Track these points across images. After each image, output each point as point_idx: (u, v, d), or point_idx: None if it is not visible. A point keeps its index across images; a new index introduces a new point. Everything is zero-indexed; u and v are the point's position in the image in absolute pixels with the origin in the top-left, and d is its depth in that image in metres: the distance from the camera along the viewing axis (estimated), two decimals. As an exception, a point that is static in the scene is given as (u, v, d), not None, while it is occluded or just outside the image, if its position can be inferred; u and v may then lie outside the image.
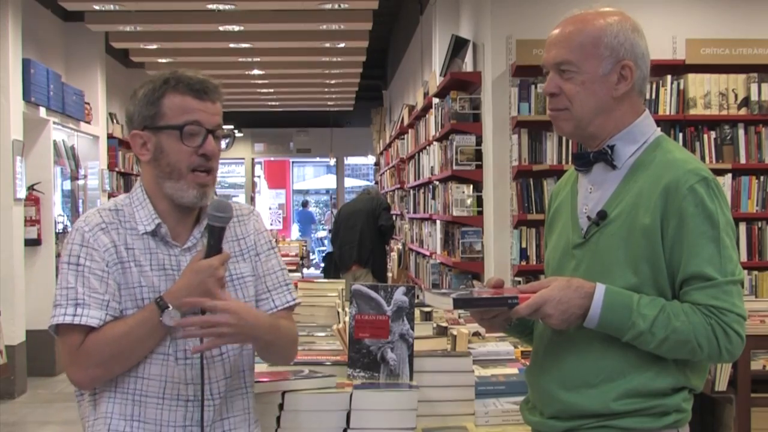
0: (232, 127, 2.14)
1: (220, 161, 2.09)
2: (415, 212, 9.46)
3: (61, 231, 9.26)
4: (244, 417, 2.11)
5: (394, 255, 10.77)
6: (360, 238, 9.62)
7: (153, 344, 1.97)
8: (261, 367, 2.59)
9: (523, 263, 5.98)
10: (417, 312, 3.18)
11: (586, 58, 1.98)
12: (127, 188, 11.51)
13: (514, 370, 2.78)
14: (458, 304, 1.98)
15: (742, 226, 6.01)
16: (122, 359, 1.96)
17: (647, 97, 6.00)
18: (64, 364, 1.98)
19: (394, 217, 10.72)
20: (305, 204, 23.55)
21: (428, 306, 3.51)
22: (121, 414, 1.99)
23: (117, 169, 11.68)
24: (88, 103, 10.26)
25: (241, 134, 21.17)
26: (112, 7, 8.50)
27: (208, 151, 2.01)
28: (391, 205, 11.56)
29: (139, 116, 2.04)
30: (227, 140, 2.08)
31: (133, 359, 1.97)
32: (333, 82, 14.02)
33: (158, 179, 2.03)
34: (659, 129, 2.08)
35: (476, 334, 3.20)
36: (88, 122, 10.25)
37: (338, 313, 3.35)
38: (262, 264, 2.14)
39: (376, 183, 16.53)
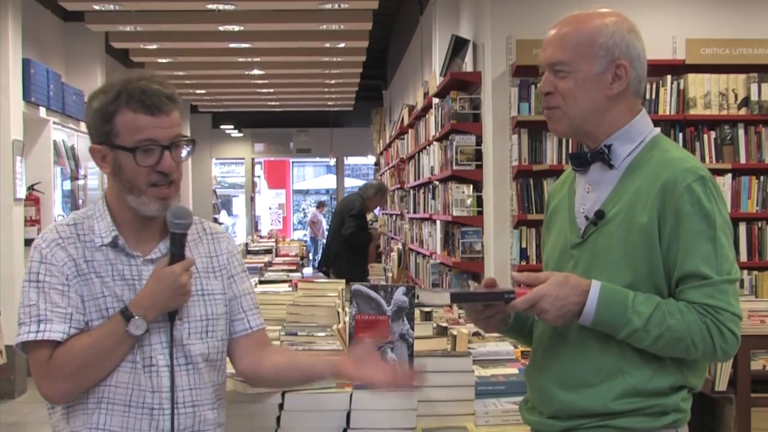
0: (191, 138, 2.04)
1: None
2: (415, 212, 9.46)
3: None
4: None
5: (394, 255, 10.76)
6: (329, 241, 9.39)
7: (121, 355, 1.97)
8: (261, 367, 2.59)
9: (523, 263, 5.97)
10: (417, 312, 3.18)
11: (580, 58, 1.99)
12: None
13: (514, 370, 2.78)
14: (455, 298, 1.99)
15: (742, 226, 6.01)
16: (91, 371, 1.95)
17: (647, 97, 6.01)
18: (35, 380, 1.98)
19: (376, 223, 10.12)
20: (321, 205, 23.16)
21: (428, 306, 3.51)
22: (88, 424, 1.98)
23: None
24: (88, 103, 10.26)
25: (241, 134, 21.17)
26: (112, 7, 8.50)
27: (164, 168, 1.99)
28: (363, 209, 9.44)
29: (95, 130, 2.01)
30: (188, 148, 2.04)
31: (102, 371, 1.96)
32: (333, 82, 14.02)
33: (120, 192, 2.02)
34: (657, 128, 2.08)
35: (476, 334, 3.20)
36: (89, 122, 10.24)
37: (338, 313, 3.35)
38: (237, 285, 2.15)
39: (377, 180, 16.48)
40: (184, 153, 2.05)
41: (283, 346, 2.99)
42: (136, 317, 1.94)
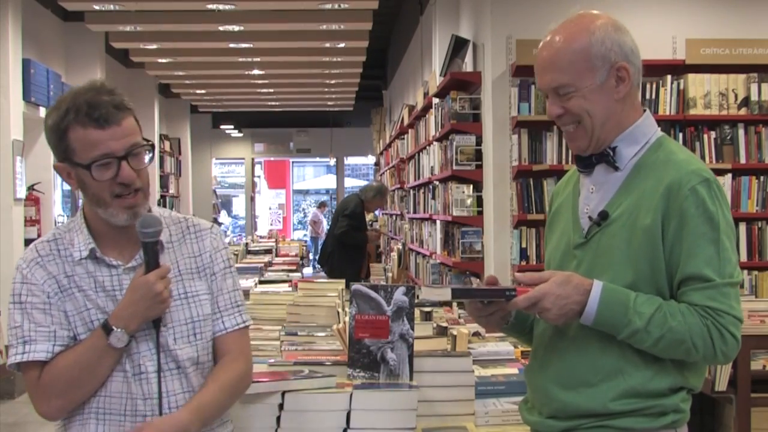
0: (150, 141, 1.94)
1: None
2: (415, 212, 9.46)
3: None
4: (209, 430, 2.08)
5: (394, 255, 10.76)
6: (325, 239, 9.58)
7: (107, 367, 1.96)
8: (261, 367, 2.60)
9: (523, 263, 5.97)
10: (417, 312, 3.18)
11: (580, 75, 1.98)
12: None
13: (514, 370, 2.78)
14: (456, 293, 1.99)
15: (742, 226, 6.01)
16: (80, 386, 1.96)
17: (647, 97, 6.01)
18: (31, 400, 1.99)
19: (374, 225, 10.27)
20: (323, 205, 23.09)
21: (428, 306, 3.51)
22: None
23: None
24: (88, 103, 10.25)
25: (241, 134, 21.17)
26: (112, 7, 8.51)
27: (124, 179, 1.96)
28: (359, 210, 9.39)
29: (54, 149, 2.00)
30: (149, 153, 2.01)
31: (91, 385, 1.97)
32: (333, 82, 14.02)
33: (90, 205, 2.02)
34: (660, 129, 2.08)
35: (476, 334, 3.20)
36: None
37: (338, 313, 3.35)
38: (216, 284, 2.11)
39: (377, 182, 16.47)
40: (146, 159, 2.01)
41: (283, 348, 2.99)
42: (117, 330, 1.93)
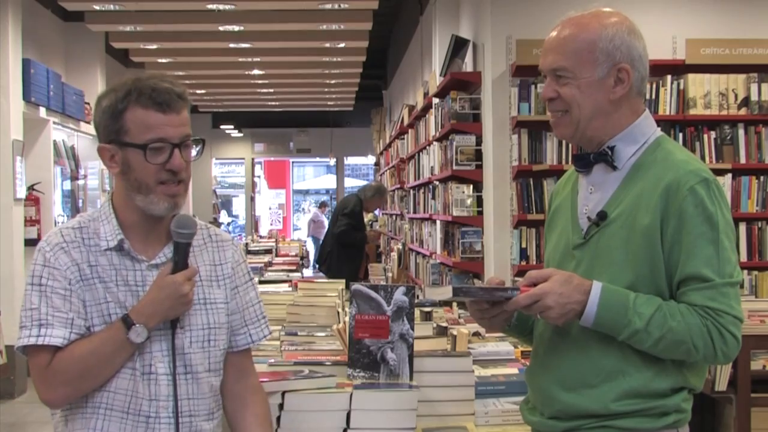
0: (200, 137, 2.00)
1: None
2: (415, 212, 9.45)
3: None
4: None
5: (394, 255, 10.76)
6: (324, 239, 9.61)
7: (121, 361, 1.96)
8: (261, 366, 2.59)
9: (523, 263, 5.97)
10: (417, 312, 3.18)
11: (581, 64, 1.98)
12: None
13: (514, 370, 2.78)
14: (457, 292, 1.99)
15: (742, 226, 6.01)
16: (90, 377, 1.94)
17: (647, 97, 6.00)
18: (35, 385, 1.97)
19: (373, 225, 10.35)
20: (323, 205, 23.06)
21: (428, 306, 3.51)
22: (86, 428, 1.97)
23: (117, 169, 11.65)
24: (88, 103, 10.25)
25: (241, 134, 21.18)
26: (112, 7, 8.51)
27: (174, 166, 1.97)
28: (358, 209, 9.48)
29: (104, 129, 2.00)
30: (197, 148, 2.04)
31: (102, 377, 1.95)
32: (333, 82, 14.02)
33: (128, 191, 2.00)
34: (659, 129, 2.08)
35: (476, 334, 3.20)
36: (88, 122, 10.23)
37: (338, 313, 3.35)
38: (241, 297, 2.14)
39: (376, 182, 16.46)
40: (193, 153, 2.03)
41: (283, 348, 2.99)
42: (137, 325, 1.93)
